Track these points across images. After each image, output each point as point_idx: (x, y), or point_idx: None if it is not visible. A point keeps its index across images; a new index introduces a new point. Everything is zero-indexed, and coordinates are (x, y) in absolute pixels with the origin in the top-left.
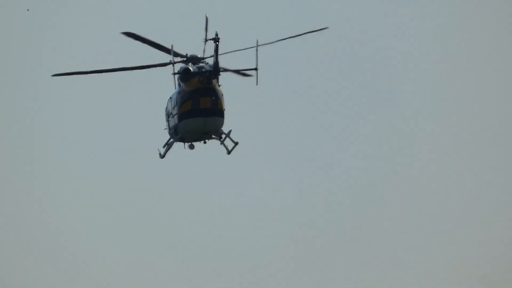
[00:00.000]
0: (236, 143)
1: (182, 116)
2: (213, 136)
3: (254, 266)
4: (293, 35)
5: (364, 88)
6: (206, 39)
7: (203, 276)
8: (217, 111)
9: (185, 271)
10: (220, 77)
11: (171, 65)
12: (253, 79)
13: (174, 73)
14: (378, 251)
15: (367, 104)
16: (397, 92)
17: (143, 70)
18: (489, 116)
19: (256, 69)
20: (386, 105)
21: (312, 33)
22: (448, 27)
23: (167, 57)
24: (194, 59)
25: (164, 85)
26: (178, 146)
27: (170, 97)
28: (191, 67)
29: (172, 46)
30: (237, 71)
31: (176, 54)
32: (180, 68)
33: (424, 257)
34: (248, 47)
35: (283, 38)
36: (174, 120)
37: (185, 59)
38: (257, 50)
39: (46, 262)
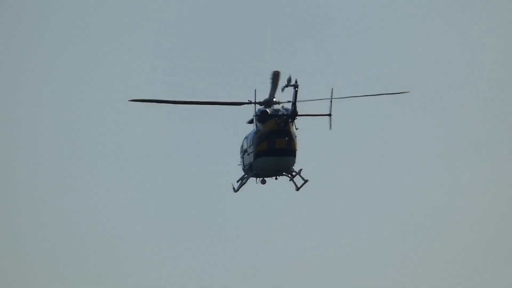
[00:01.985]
0: (306, 181)
1: (258, 154)
2: (284, 173)
3: None
4: (374, 93)
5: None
6: (286, 85)
7: None
8: (290, 152)
9: None
10: (296, 121)
11: (248, 105)
12: (327, 124)
13: (255, 115)
14: None
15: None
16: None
17: (219, 106)
18: None
19: (330, 115)
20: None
21: (392, 95)
22: None
23: (238, 96)
24: (269, 103)
25: (238, 123)
26: (251, 180)
27: (246, 137)
28: (268, 110)
29: (255, 90)
30: (312, 115)
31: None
32: (258, 110)
33: None
34: (323, 97)
35: (363, 94)
36: (249, 158)
37: (262, 100)
38: (331, 99)
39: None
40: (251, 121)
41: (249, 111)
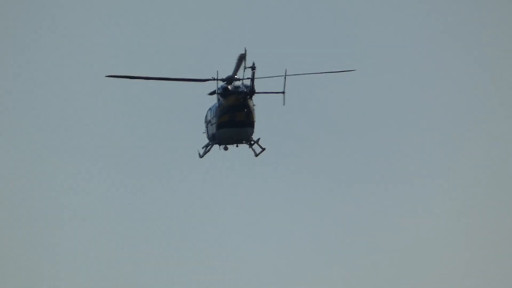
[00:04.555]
0: (263, 149)
1: (220, 125)
2: (243, 141)
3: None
4: (322, 71)
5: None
6: (245, 67)
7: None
8: (249, 123)
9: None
10: (254, 98)
11: (211, 81)
12: (281, 100)
13: (217, 93)
14: None
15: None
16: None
17: (187, 82)
18: None
19: (283, 92)
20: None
21: (340, 72)
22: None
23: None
24: (231, 80)
25: (203, 96)
26: (215, 147)
27: (210, 108)
28: (230, 87)
29: (217, 71)
30: (268, 93)
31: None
32: (220, 86)
33: None
34: (279, 75)
35: (314, 72)
36: (212, 128)
37: (224, 78)
38: (285, 77)
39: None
40: (212, 93)
41: (212, 87)
